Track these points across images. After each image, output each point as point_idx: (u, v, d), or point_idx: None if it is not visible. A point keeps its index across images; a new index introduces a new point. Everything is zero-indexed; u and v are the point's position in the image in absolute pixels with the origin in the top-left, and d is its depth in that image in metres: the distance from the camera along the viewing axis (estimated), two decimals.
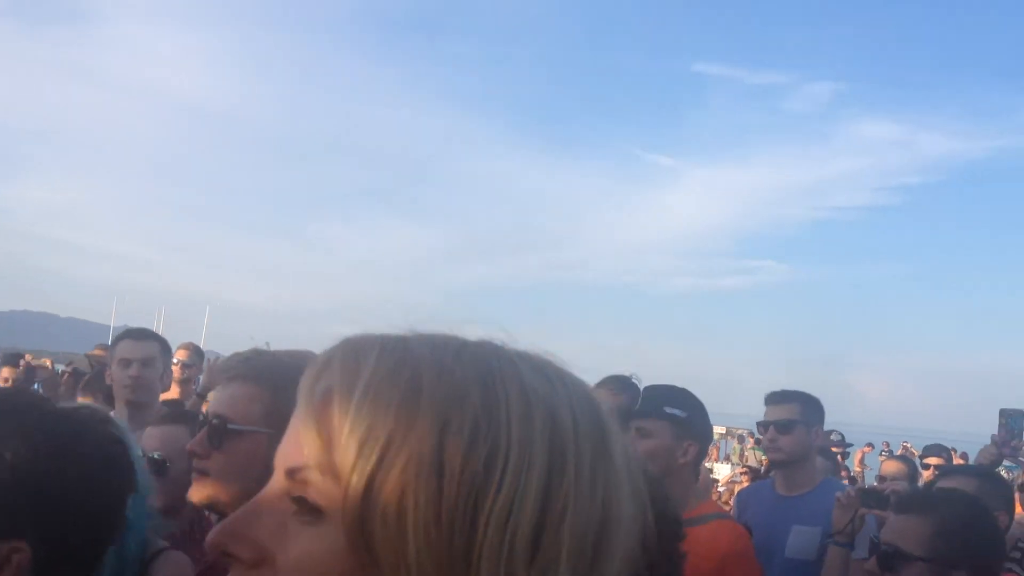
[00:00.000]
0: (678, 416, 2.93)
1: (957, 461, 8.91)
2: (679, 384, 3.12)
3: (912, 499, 2.42)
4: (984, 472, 3.44)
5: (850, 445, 6.71)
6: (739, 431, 25.25)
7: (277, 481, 0.72)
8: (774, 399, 3.60)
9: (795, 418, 3.51)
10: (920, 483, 5.43)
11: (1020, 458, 3.32)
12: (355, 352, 0.73)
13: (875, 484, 4.43)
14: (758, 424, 3.62)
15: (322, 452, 0.68)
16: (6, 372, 6.43)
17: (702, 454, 3.06)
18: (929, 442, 6.88)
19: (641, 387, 4.18)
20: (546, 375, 0.74)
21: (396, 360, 0.71)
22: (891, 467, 5.00)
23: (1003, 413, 3.44)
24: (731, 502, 4.19)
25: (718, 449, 26.93)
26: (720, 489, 10.57)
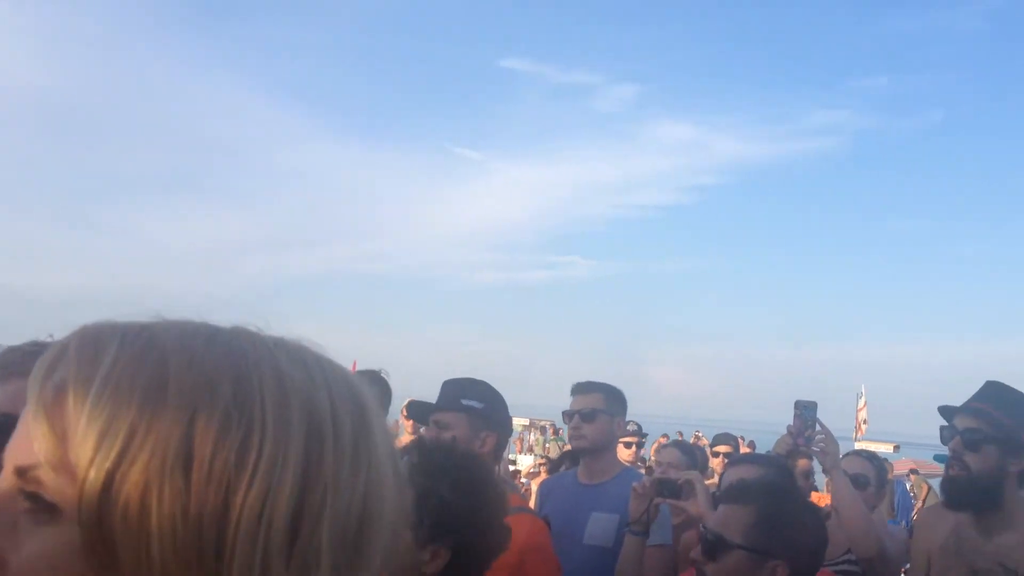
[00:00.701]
0: (475, 408, 2.96)
1: (744, 449, 9.42)
2: (484, 377, 3.13)
3: (736, 489, 2.49)
4: (769, 460, 3.62)
5: (645, 435, 6.92)
6: (542, 422, 25.89)
7: (5, 479, 0.64)
8: (579, 389, 3.67)
9: (599, 407, 3.58)
10: (710, 471, 5.71)
11: (814, 448, 3.50)
12: (93, 341, 0.66)
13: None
14: (564, 413, 3.69)
15: (55, 448, 0.62)
16: None
17: (501, 445, 3.09)
18: (721, 431, 7.19)
19: (390, 381, 4.23)
20: (303, 362, 0.71)
21: (140, 348, 0.66)
22: (666, 455, 5.15)
23: (798, 404, 3.59)
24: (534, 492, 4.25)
25: (521, 441, 27.49)
26: (523, 480, 10.75)
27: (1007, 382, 2.64)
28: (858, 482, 3.76)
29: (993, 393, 2.67)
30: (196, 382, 0.65)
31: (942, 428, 2.68)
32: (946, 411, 2.70)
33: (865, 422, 32.22)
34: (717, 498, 2.45)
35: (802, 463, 4.05)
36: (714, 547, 2.19)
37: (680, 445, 5.70)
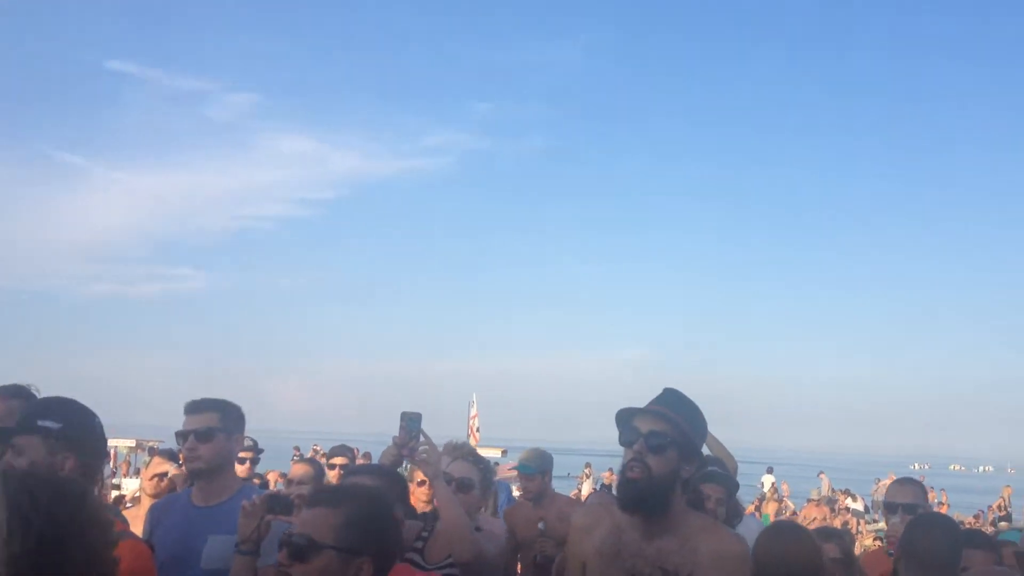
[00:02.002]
0: (51, 428, 2.67)
1: (360, 461, 9.53)
2: (83, 394, 2.89)
3: (322, 492, 2.53)
4: (382, 470, 3.70)
5: (262, 451, 6.78)
6: (150, 443, 24.42)
7: None
8: (193, 408, 3.49)
9: (215, 426, 3.44)
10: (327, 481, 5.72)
11: (417, 458, 3.62)
12: None
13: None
14: (177, 434, 3.48)
15: None
16: None
17: (90, 468, 2.78)
18: (336, 443, 7.22)
19: (40, 396, 3.82)
20: None
21: None
22: (298, 470, 5.16)
23: (403, 416, 3.70)
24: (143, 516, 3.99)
25: (128, 464, 25.74)
26: (128, 505, 10.05)
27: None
28: (463, 485, 3.97)
29: (673, 399, 2.71)
30: None
31: (624, 429, 2.66)
32: (625, 413, 2.69)
33: (478, 429, 33.91)
34: (306, 502, 2.44)
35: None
36: (302, 550, 2.24)
37: (311, 461, 5.67)
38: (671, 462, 2.60)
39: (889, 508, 4.28)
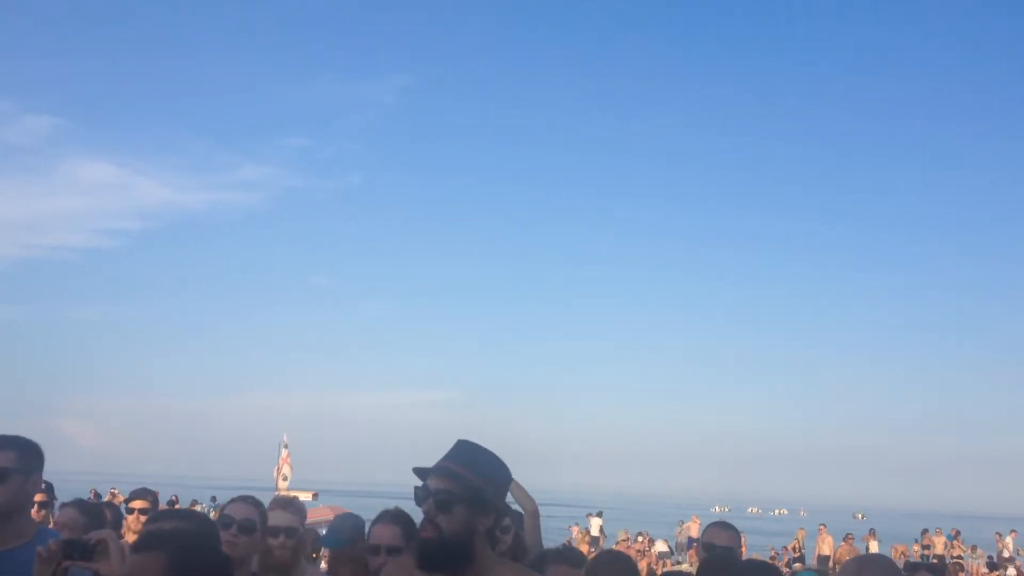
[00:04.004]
0: None
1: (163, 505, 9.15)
2: None
3: (145, 538, 2.46)
4: (192, 514, 3.60)
5: (56, 499, 6.44)
6: None
7: None
8: None
9: (11, 466, 3.23)
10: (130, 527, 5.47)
11: None
12: None
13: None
14: None
15: None
16: None
17: None
18: (137, 487, 6.94)
19: None
20: None
21: None
22: (66, 514, 4.90)
23: None
24: None
25: None
26: None
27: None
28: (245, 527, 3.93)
29: (465, 451, 2.70)
30: None
31: (416, 489, 2.67)
32: (421, 472, 2.69)
33: (285, 478, 33.06)
34: (131, 548, 2.37)
35: None
36: None
37: (80, 504, 5.32)
38: (461, 518, 2.59)
39: (708, 549, 4.46)
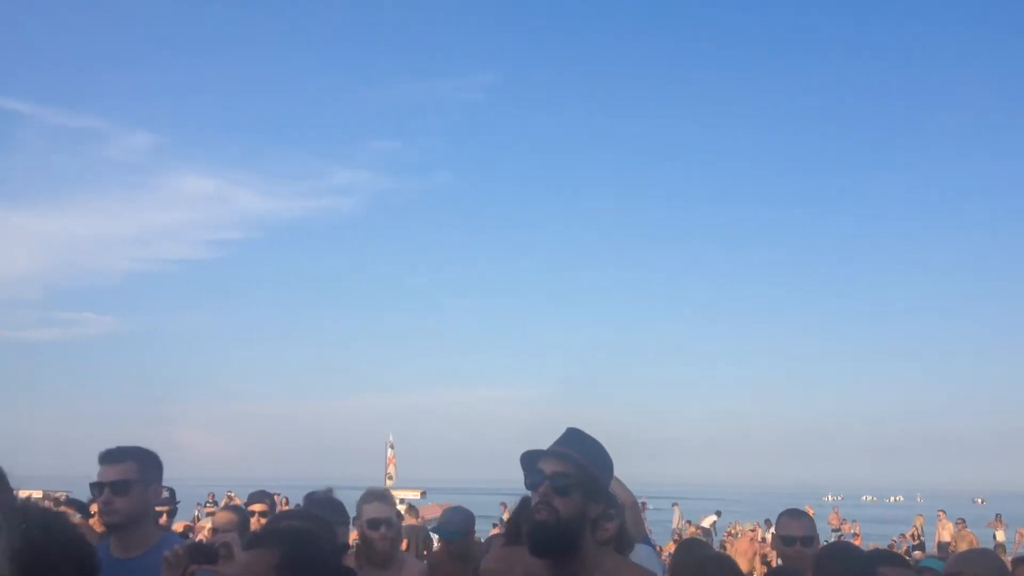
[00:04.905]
0: None
1: (283, 507, 9.38)
2: None
3: (260, 534, 2.51)
4: (308, 514, 3.66)
5: (178, 502, 6.65)
6: (57, 494, 23.66)
7: None
8: (109, 458, 3.37)
9: (132, 477, 3.32)
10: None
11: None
12: None
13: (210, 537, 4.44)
14: (92, 485, 3.38)
15: None
16: None
17: None
18: (254, 489, 7.11)
19: None
20: None
21: None
22: (222, 518, 5.07)
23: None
24: None
25: None
26: None
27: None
28: (373, 524, 4.02)
29: (575, 439, 2.69)
30: None
31: (527, 475, 2.63)
32: (529, 456, 2.66)
33: (391, 476, 33.56)
34: (245, 545, 2.42)
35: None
36: None
37: (234, 509, 5.53)
38: (577, 503, 2.57)
39: (785, 541, 4.36)
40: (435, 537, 8.71)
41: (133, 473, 3.35)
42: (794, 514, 4.53)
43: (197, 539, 3.72)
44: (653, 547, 4.92)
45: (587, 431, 2.76)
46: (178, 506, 7.06)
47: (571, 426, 2.75)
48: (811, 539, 4.31)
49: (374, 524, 4.10)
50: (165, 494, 5.72)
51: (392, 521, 4.17)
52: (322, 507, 3.74)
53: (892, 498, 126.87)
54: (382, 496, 4.33)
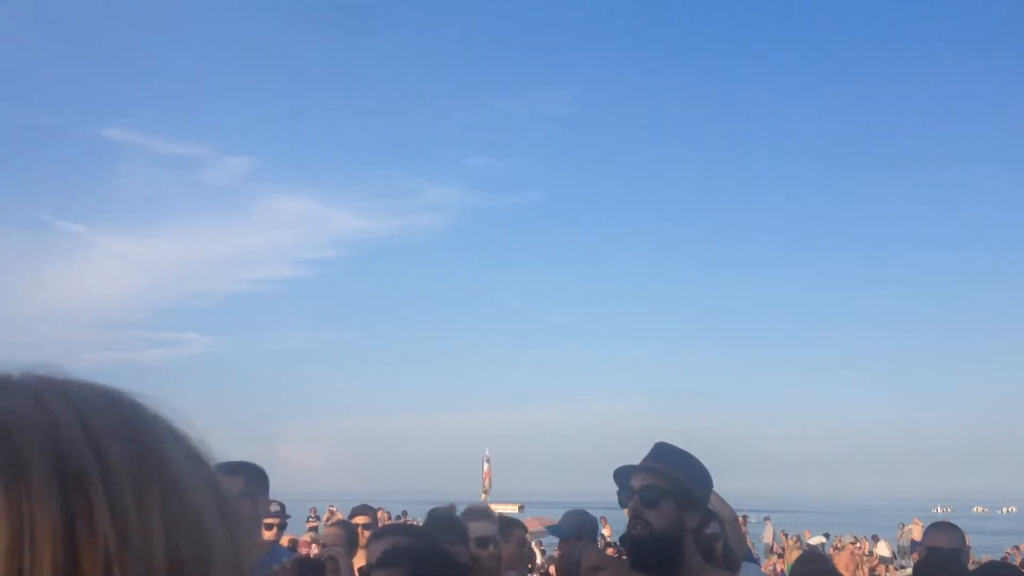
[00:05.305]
0: None
1: (385, 518, 9.52)
2: None
3: (389, 554, 2.56)
4: (413, 529, 3.70)
5: (289, 516, 6.78)
6: None
7: None
8: (219, 471, 3.50)
9: (240, 491, 3.41)
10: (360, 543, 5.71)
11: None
12: None
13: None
14: None
15: None
16: None
17: None
18: (357, 503, 7.22)
19: None
20: (38, 396, 0.58)
21: None
22: (330, 533, 5.18)
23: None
24: None
25: None
26: None
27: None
28: (482, 543, 4.03)
29: (664, 452, 2.69)
30: None
31: (619, 490, 2.64)
32: (622, 472, 2.67)
33: (486, 491, 33.64)
34: (371, 566, 2.47)
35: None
36: None
37: (341, 524, 5.65)
38: (669, 514, 2.56)
39: (932, 552, 4.17)
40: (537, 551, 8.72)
41: (241, 486, 3.43)
42: (942, 527, 4.36)
43: (303, 553, 3.81)
44: (759, 565, 4.82)
45: (681, 444, 2.75)
46: (289, 520, 7.20)
47: (659, 440, 2.74)
48: (959, 552, 4.15)
49: (483, 543, 4.09)
50: (275, 507, 5.85)
51: (498, 539, 4.16)
52: (443, 525, 3.75)
53: (1005, 509, 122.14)
54: (486, 514, 4.33)
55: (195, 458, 0.66)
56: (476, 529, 4.13)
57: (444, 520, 4.04)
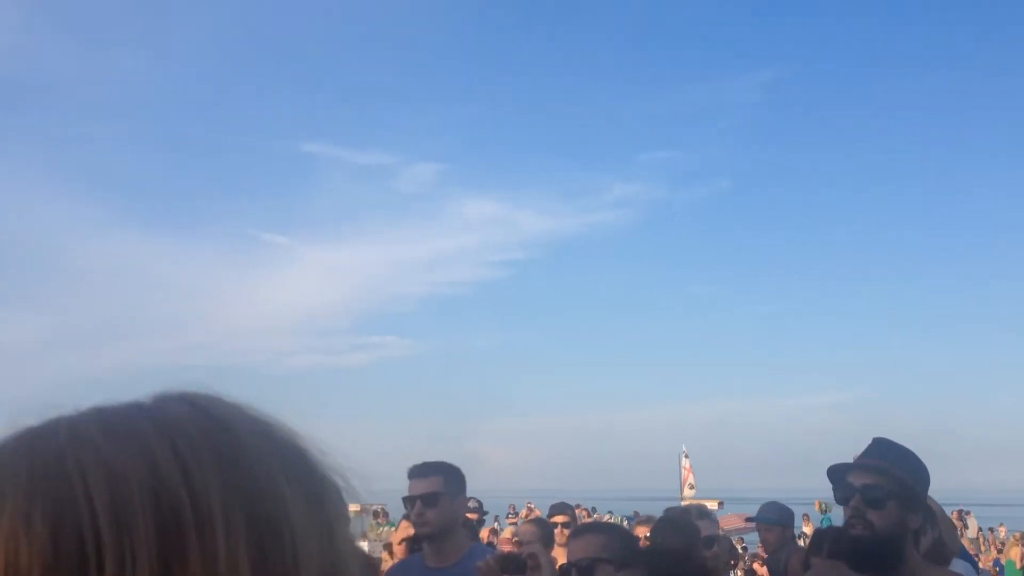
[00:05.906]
0: None
1: (585, 517, 9.54)
2: None
3: (583, 526, 2.69)
4: (612, 527, 3.68)
5: (486, 513, 6.91)
6: (373, 507, 25.43)
7: None
8: (417, 472, 3.59)
9: (439, 490, 3.51)
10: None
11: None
12: None
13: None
14: (404, 499, 3.59)
15: None
16: None
17: None
18: (552, 501, 7.25)
19: None
20: (132, 433, 0.59)
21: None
22: (526, 530, 5.22)
23: None
24: None
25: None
26: None
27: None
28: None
29: (885, 449, 2.59)
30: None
31: (836, 488, 2.55)
32: (837, 470, 2.58)
33: (692, 485, 33.29)
34: (570, 536, 2.56)
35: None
36: (586, 570, 2.34)
37: (537, 522, 5.73)
38: (893, 514, 2.46)
39: None
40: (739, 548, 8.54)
41: (440, 486, 3.54)
42: None
43: (501, 549, 3.90)
44: (975, 563, 4.51)
45: (895, 439, 2.63)
46: (487, 517, 7.33)
47: (877, 436, 2.64)
48: None
49: (707, 543, 4.04)
50: (473, 504, 5.97)
51: (722, 539, 4.10)
52: (676, 529, 3.71)
53: None
54: (707, 513, 4.29)
55: (310, 495, 0.64)
56: (701, 529, 4.07)
57: (679, 521, 3.99)
